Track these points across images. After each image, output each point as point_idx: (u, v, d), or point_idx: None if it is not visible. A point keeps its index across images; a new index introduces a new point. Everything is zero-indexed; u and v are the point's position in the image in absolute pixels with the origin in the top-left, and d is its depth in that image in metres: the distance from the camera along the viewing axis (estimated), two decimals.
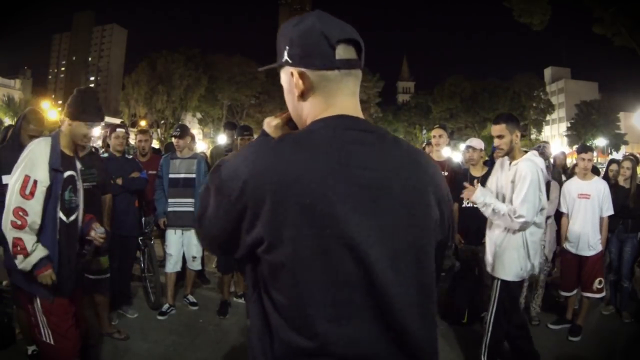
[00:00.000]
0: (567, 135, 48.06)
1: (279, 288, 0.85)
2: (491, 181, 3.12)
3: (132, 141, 9.36)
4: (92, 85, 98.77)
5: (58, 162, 2.20)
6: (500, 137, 2.85)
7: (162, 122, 40.43)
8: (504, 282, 2.88)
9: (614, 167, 4.82)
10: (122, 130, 4.10)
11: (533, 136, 47.96)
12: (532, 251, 2.85)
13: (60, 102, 67.64)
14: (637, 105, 25.39)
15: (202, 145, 24.38)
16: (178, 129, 4.25)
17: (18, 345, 3.19)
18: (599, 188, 3.95)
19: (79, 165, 2.41)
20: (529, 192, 2.70)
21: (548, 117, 50.98)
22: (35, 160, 2.15)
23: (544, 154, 4.30)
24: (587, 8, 15.76)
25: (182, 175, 4.19)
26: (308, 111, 0.97)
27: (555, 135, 58.24)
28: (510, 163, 2.92)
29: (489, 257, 2.99)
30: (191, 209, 4.14)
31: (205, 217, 0.91)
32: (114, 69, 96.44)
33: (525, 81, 46.59)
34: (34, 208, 2.10)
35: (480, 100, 43.73)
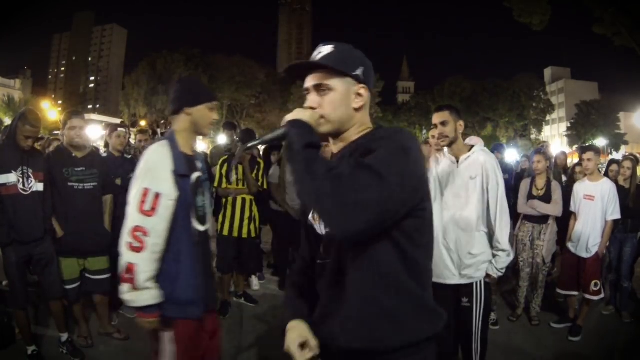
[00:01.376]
0: (567, 135, 48.06)
1: (419, 243, 1.15)
2: (431, 180, 2.65)
3: (132, 141, 9.35)
4: (92, 85, 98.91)
5: (183, 166, 1.84)
6: (444, 123, 2.59)
7: (162, 122, 40.38)
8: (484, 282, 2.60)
9: (614, 167, 4.82)
10: (123, 130, 4.11)
11: (533, 136, 47.98)
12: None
13: (60, 102, 67.74)
14: (637, 105, 25.37)
15: (202, 145, 24.35)
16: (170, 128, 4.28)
17: (18, 345, 3.19)
18: (604, 190, 3.89)
19: (198, 164, 2.00)
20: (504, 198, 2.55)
21: (548, 117, 51.01)
22: (155, 170, 1.79)
23: (545, 155, 4.29)
24: (587, 8, 15.76)
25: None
26: (358, 120, 1.23)
27: (555, 135, 58.21)
28: (456, 157, 2.62)
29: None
30: None
31: (398, 183, 1.02)
32: (114, 69, 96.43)
33: (525, 81, 46.61)
34: (156, 227, 1.73)
35: (480, 100, 43.73)
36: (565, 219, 4.13)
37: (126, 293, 1.72)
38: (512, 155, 9.36)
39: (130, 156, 4.35)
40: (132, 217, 1.73)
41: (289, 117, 1.16)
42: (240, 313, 4.23)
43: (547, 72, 66.69)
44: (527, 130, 47.41)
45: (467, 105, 44.47)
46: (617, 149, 42.39)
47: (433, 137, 4.56)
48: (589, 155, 3.99)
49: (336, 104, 1.18)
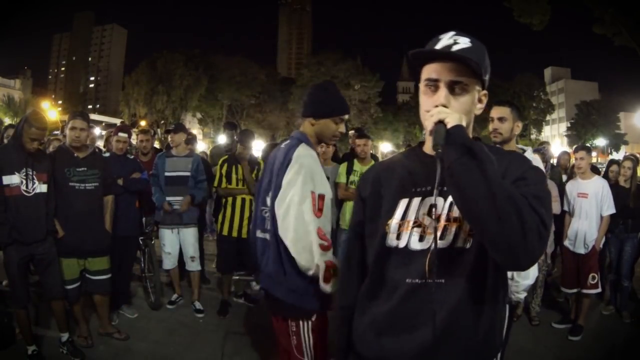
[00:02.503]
0: (567, 135, 48.03)
1: None
2: None
3: (133, 141, 9.35)
4: (92, 85, 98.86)
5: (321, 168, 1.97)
6: (502, 119, 2.43)
7: (162, 122, 40.41)
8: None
9: (614, 168, 4.82)
10: (124, 135, 4.07)
11: (533, 136, 47.92)
12: None
13: (60, 102, 67.68)
14: (637, 105, 25.39)
15: (202, 145, 24.38)
16: (173, 125, 4.34)
17: (18, 345, 3.19)
18: (597, 187, 3.96)
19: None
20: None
21: (548, 117, 50.92)
22: (314, 174, 1.86)
23: (544, 156, 4.30)
24: (587, 8, 15.75)
25: (178, 174, 4.20)
26: (471, 127, 1.15)
27: (555, 135, 58.20)
28: None
29: None
30: (191, 208, 4.17)
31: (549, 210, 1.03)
32: (114, 69, 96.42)
33: (525, 81, 46.52)
34: (326, 226, 1.87)
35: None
36: (560, 219, 4.17)
37: (330, 287, 1.79)
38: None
39: (132, 157, 4.36)
40: (311, 220, 1.79)
41: (444, 117, 1.01)
42: (240, 313, 4.23)
43: (547, 72, 66.65)
44: (527, 131, 47.36)
45: None
46: (617, 149, 42.38)
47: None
48: (581, 154, 4.05)
49: (467, 108, 1.08)
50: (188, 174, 4.20)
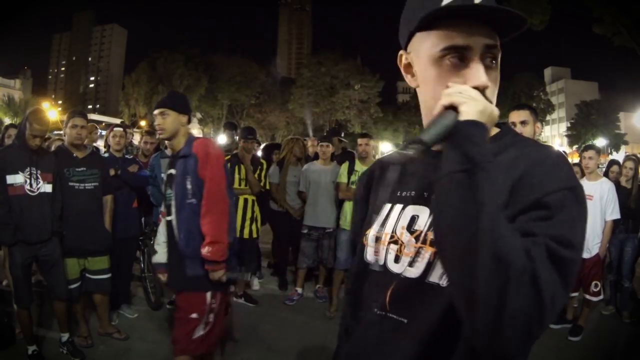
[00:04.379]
0: (567, 135, 48.03)
1: None
2: None
3: (135, 141, 9.36)
4: (92, 85, 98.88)
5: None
6: (524, 123, 2.44)
7: None
8: None
9: (614, 168, 4.81)
10: (119, 129, 4.08)
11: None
12: None
13: (60, 102, 67.71)
14: (637, 105, 25.40)
15: None
16: None
17: (18, 345, 3.19)
18: (603, 190, 3.89)
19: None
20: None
21: (548, 117, 50.92)
22: None
23: None
24: (587, 8, 15.77)
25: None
26: None
27: (555, 135, 58.20)
28: None
29: None
30: None
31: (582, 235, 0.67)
32: (114, 69, 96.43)
33: (525, 81, 46.52)
34: None
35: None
36: None
37: None
38: None
39: (131, 156, 4.35)
40: None
41: (460, 103, 0.67)
42: (240, 313, 4.23)
43: (547, 72, 66.66)
44: None
45: None
46: (617, 149, 42.37)
47: None
48: (590, 153, 3.98)
49: (497, 83, 0.77)
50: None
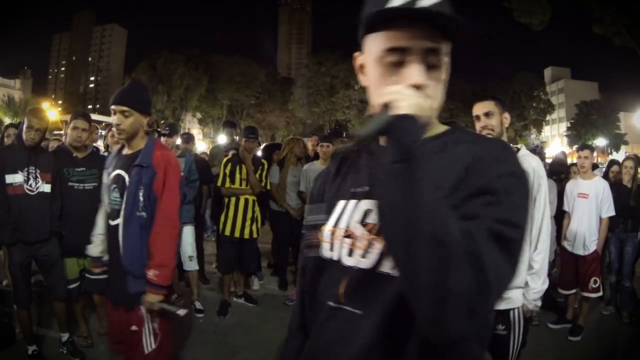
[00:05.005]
0: (567, 135, 48.04)
1: None
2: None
3: None
4: (92, 85, 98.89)
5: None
6: (488, 115, 2.23)
7: (162, 122, 40.43)
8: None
9: (615, 168, 4.82)
10: None
11: (533, 136, 47.95)
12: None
13: (60, 102, 67.68)
14: (637, 105, 25.40)
15: (202, 145, 24.38)
16: (167, 128, 4.34)
17: (18, 345, 3.18)
18: (598, 188, 3.94)
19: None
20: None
21: (548, 117, 50.94)
22: None
23: (540, 155, 4.30)
24: (587, 8, 15.76)
25: None
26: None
27: (555, 135, 58.22)
28: None
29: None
30: (186, 207, 4.17)
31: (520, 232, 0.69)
32: (114, 69, 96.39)
33: (525, 81, 46.53)
34: None
35: (480, 100, 43.60)
36: (559, 219, 4.16)
37: None
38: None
39: None
40: None
41: (394, 100, 0.70)
42: (240, 313, 4.23)
43: (547, 72, 66.67)
44: (527, 130, 47.38)
45: (467, 105, 44.43)
46: (617, 149, 42.39)
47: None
48: (585, 153, 4.04)
49: (442, 84, 0.79)
50: (181, 174, 4.19)
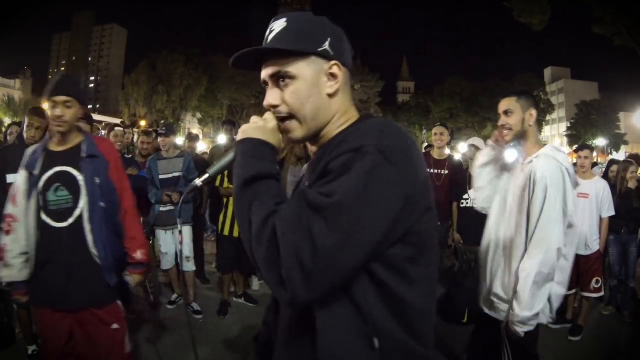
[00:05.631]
0: (567, 135, 48.04)
1: (412, 277, 0.82)
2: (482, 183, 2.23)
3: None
4: (92, 85, 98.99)
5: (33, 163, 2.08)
6: (507, 112, 2.03)
7: (162, 122, 40.44)
8: None
9: (614, 168, 4.81)
10: (121, 129, 4.12)
11: None
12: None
13: None
14: (637, 105, 25.39)
15: (202, 145, 24.35)
16: (164, 128, 4.35)
17: (18, 345, 3.18)
18: (598, 188, 3.95)
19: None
20: (551, 209, 1.83)
21: (548, 117, 51.02)
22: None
23: None
24: (587, 8, 15.76)
25: (171, 175, 4.20)
26: (337, 109, 0.94)
27: (555, 135, 58.22)
28: (524, 159, 2.06)
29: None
30: (184, 207, 4.17)
31: (364, 228, 0.75)
32: (114, 69, 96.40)
33: (525, 81, 46.55)
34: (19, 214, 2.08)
35: (480, 100, 43.72)
36: None
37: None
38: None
39: (130, 156, 4.35)
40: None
41: (240, 132, 0.93)
42: (240, 313, 4.23)
43: (547, 72, 66.68)
44: None
45: (467, 105, 44.45)
46: (617, 149, 42.39)
47: (435, 134, 4.37)
48: (585, 152, 4.05)
49: (303, 95, 0.90)
50: (180, 174, 4.20)
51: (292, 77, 0.90)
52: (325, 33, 0.92)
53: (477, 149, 4.26)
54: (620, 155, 32.77)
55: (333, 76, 0.92)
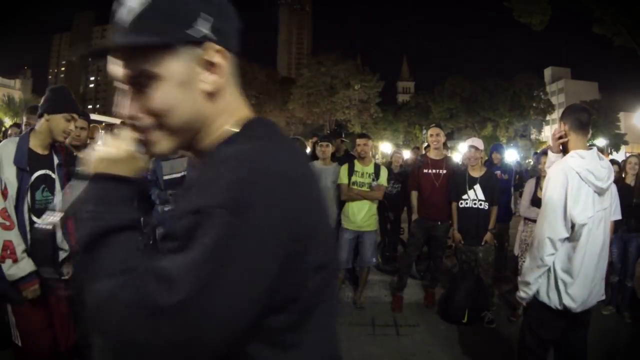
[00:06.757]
0: None
1: (292, 343, 0.67)
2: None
3: None
4: (92, 85, 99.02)
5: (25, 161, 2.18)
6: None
7: None
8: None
9: (614, 168, 4.79)
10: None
11: (533, 136, 47.99)
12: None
13: None
14: (637, 105, 25.40)
15: None
16: None
17: None
18: None
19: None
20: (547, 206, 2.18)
21: (548, 117, 50.98)
22: (2, 163, 2.13)
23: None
24: (587, 8, 15.76)
25: (176, 175, 4.19)
26: (219, 110, 0.71)
27: None
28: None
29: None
30: None
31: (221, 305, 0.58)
32: None
33: (525, 81, 46.56)
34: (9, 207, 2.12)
35: (480, 100, 43.71)
36: None
37: (7, 268, 2.01)
38: (512, 155, 9.40)
39: None
40: None
41: (85, 162, 0.73)
42: None
43: (547, 72, 66.70)
44: (527, 130, 47.43)
45: (467, 105, 44.43)
46: (617, 149, 42.41)
47: (431, 135, 4.49)
48: None
49: (169, 98, 0.67)
50: (184, 174, 4.19)
51: (153, 77, 0.66)
52: (199, 7, 0.67)
53: (477, 149, 4.26)
54: (620, 156, 32.76)
55: (212, 65, 0.68)
